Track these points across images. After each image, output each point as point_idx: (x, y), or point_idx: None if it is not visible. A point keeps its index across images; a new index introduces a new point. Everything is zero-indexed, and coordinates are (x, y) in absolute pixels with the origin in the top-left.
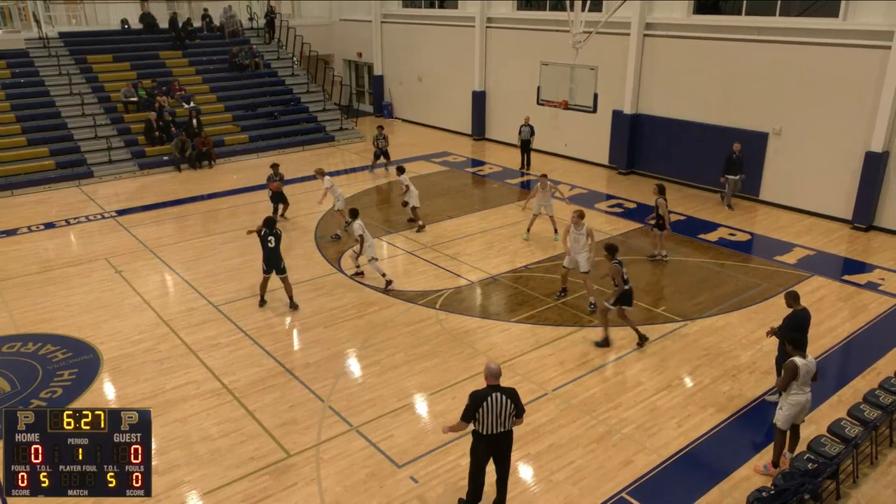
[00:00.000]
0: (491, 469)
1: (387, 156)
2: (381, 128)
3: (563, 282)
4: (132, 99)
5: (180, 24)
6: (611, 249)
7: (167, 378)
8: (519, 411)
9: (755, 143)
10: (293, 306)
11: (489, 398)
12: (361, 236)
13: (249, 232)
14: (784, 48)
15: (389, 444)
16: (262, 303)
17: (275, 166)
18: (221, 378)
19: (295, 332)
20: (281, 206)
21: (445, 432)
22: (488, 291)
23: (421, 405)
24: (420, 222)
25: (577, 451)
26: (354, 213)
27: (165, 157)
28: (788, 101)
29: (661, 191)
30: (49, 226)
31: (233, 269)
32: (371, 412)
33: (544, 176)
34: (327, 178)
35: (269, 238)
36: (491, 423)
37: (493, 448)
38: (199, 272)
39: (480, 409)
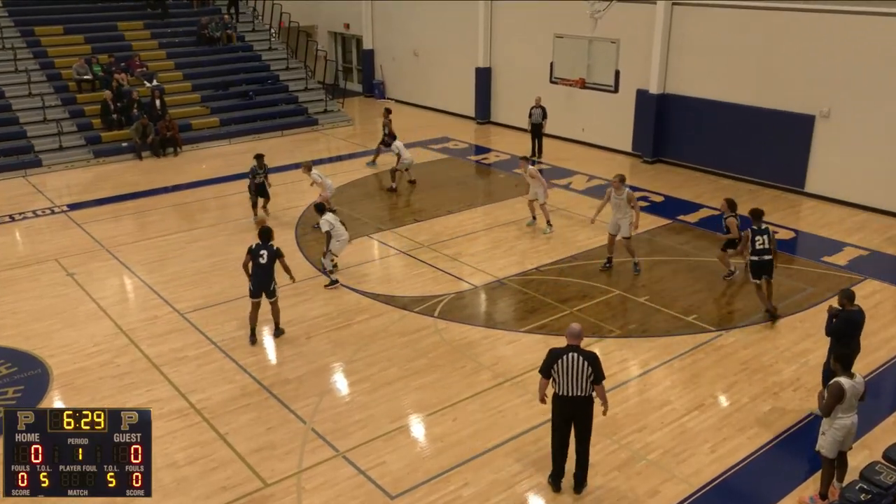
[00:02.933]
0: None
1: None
2: (388, 111)
3: (610, 250)
4: (86, 77)
5: None
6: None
7: (127, 396)
8: (598, 376)
9: (800, 128)
10: (278, 332)
11: (565, 357)
12: (328, 232)
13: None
14: (834, 18)
15: (381, 472)
16: (254, 339)
17: (259, 157)
18: (188, 396)
19: (272, 343)
20: (261, 200)
21: (540, 400)
22: (494, 297)
23: (417, 427)
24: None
25: (596, 479)
26: (321, 208)
27: (124, 144)
28: (838, 80)
29: (731, 206)
30: None
31: (201, 271)
32: (360, 435)
33: (525, 159)
34: (314, 172)
35: (262, 253)
36: (567, 384)
37: (570, 412)
38: (163, 275)
39: (555, 367)
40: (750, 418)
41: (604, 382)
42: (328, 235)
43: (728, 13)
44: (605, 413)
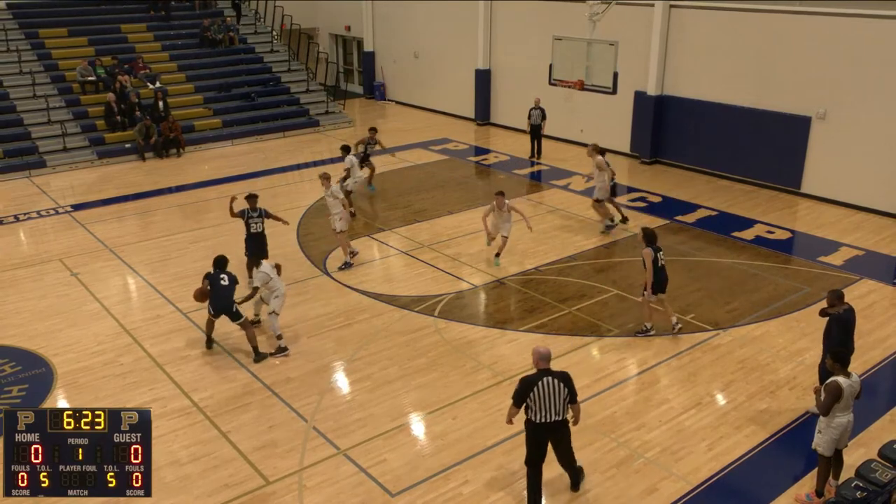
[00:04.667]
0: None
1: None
2: (373, 130)
3: (603, 214)
4: (90, 78)
5: None
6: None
7: (130, 395)
8: (573, 396)
9: (796, 129)
10: (258, 358)
11: (541, 382)
12: (256, 288)
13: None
14: (830, 20)
15: (382, 470)
16: (210, 344)
17: (252, 198)
18: (191, 395)
19: (275, 342)
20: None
21: (507, 422)
22: (493, 297)
23: (417, 426)
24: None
25: (594, 477)
26: (259, 260)
27: (127, 145)
28: (834, 81)
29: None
30: None
31: (204, 271)
32: (361, 433)
33: (500, 194)
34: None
35: (222, 277)
36: (545, 410)
37: (546, 438)
38: (165, 275)
39: (531, 395)
40: (747, 417)
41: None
42: (254, 290)
43: (725, 15)
44: (574, 424)
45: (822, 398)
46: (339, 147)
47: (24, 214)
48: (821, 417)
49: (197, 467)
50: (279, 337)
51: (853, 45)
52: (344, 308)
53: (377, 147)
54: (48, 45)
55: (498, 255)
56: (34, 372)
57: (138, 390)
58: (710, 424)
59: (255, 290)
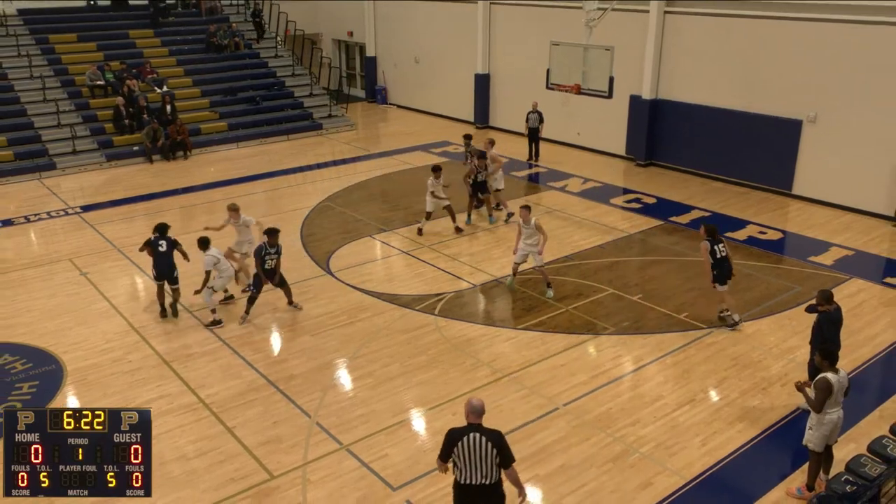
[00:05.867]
0: None
1: (483, 189)
2: (468, 138)
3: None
4: (99, 83)
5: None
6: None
7: (138, 391)
8: (506, 460)
9: (787, 132)
10: (169, 314)
11: (466, 438)
12: (208, 272)
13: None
14: (820, 26)
15: (383, 465)
16: (164, 313)
17: (272, 233)
18: (198, 391)
19: (279, 340)
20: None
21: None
22: (492, 296)
23: (418, 421)
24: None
25: (590, 472)
26: (205, 243)
27: (135, 147)
28: (825, 86)
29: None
30: (6, 223)
31: None
32: (363, 429)
33: (525, 208)
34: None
35: (160, 242)
36: (470, 470)
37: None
38: None
39: (456, 450)
40: (739, 413)
41: (514, 465)
42: (207, 274)
43: (718, 21)
44: (519, 499)
45: (814, 395)
46: (431, 168)
47: (35, 215)
48: (811, 414)
49: (203, 462)
50: (213, 311)
51: (843, 50)
52: (346, 307)
53: (478, 160)
54: (58, 50)
55: (549, 285)
56: (44, 369)
57: (146, 387)
58: (704, 420)
59: (208, 273)
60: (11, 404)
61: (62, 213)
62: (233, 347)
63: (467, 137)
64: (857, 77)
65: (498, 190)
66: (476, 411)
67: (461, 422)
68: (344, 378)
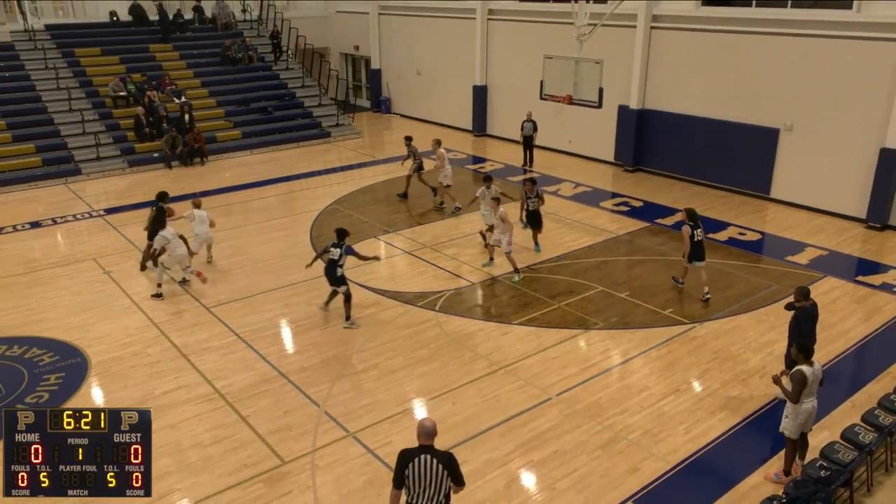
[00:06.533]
0: None
1: (536, 222)
2: (408, 139)
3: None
4: (121, 94)
5: (171, 16)
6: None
7: (157, 382)
8: (457, 481)
9: (766, 140)
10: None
11: (416, 460)
12: (155, 249)
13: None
14: (796, 41)
15: (388, 451)
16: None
17: (341, 234)
18: (213, 382)
19: (290, 334)
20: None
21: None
22: (490, 293)
23: (420, 410)
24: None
25: (581, 457)
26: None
27: (155, 154)
28: (800, 96)
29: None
30: (35, 225)
31: (224, 269)
32: (368, 418)
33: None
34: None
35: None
36: (420, 493)
37: None
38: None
39: (407, 472)
40: (720, 402)
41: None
42: (154, 249)
43: (702, 36)
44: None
45: (791, 387)
46: (482, 177)
47: (62, 218)
48: (788, 403)
49: (219, 448)
50: (158, 285)
51: (818, 63)
52: (353, 303)
53: (533, 193)
54: (83, 63)
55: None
56: (70, 361)
57: (165, 378)
58: (688, 409)
59: (153, 247)
60: (37, 394)
61: (87, 215)
62: (246, 341)
63: (408, 139)
64: (831, 88)
65: (447, 186)
66: (427, 433)
67: (460, 411)
68: (350, 370)
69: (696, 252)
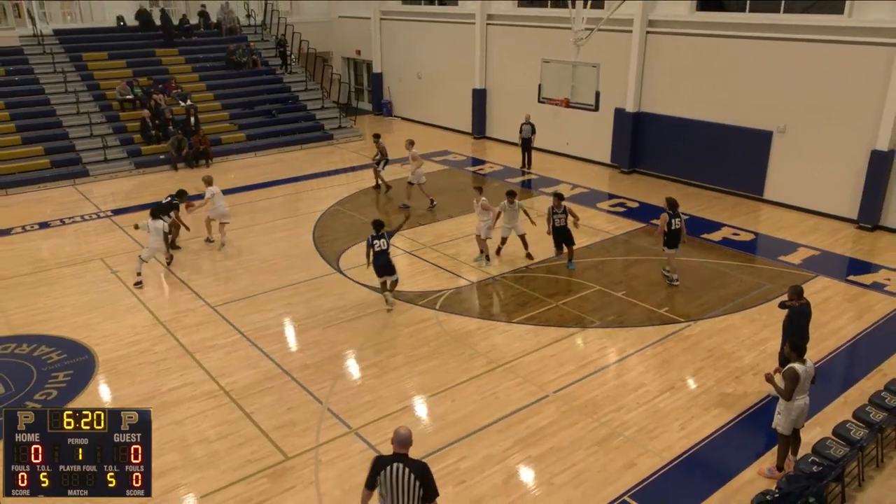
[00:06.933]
0: None
1: (568, 239)
2: (377, 136)
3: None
4: (128, 97)
5: (176, 22)
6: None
7: (163, 380)
8: (429, 493)
9: (759, 142)
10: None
11: (389, 468)
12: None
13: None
14: (788, 45)
15: (388, 447)
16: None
17: (378, 225)
18: (218, 380)
19: (292, 333)
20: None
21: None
22: (489, 292)
23: (421, 407)
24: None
25: (578, 453)
26: (153, 215)
27: (162, 156)
28: (793, 99)
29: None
30: (44, 225)
31: (229, 269)
32: (370, 414)
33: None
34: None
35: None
36: (391, 502)
37: None
38: (195, 272)
39: (379, 479)
40: (715, 399)
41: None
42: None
43: (696, 41)
44: None
45: (784, 385)
46: (506, 192)
47: (70, 218)
48: (780, 400)
49: (224, 444)
50: (139, 273)
51: (810, 67)
52: (355, 302)
53: (554, 200)
54: (90, 67)
55: (487, 257)
56: (78, 359)
57: (171, 376)
58: (683, 406)
59: (136, 226)
60: (46, 391)
61: (94, 216)
62: (250, 339)
63: (376, 136)
64: (823, 92)
65: (420, 184)
66: (402, 441)
67: (460, 408)
68: (352, 367)
69: (672, 240)
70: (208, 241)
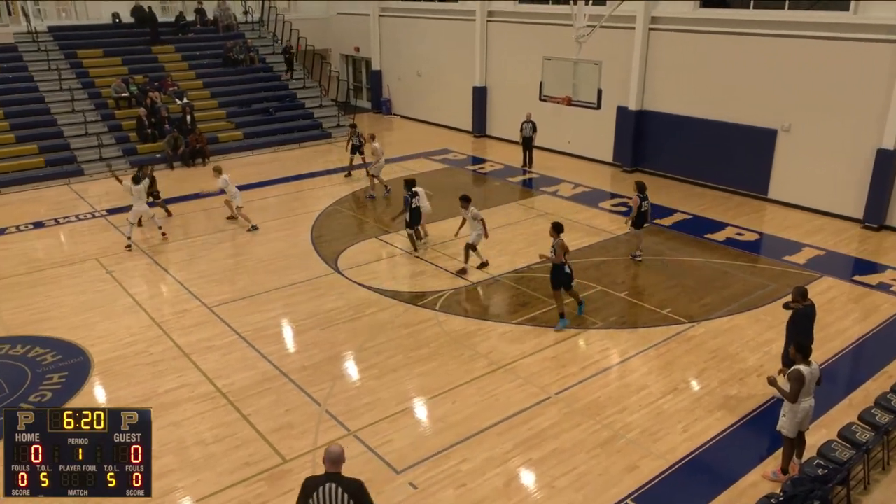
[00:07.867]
0: None
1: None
2: (353, 126)
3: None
4: (123, 95)
5: (173, 18)
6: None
7: (160, 381)
8: None
9: (763, 141)
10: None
11: (321, 489)
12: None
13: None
14: (793, 43)
15: (388, 450)
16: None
17: (409, 183)
18: (215, 381)
19: (291, 334)
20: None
21: None
22: (489, 292)
23: (420, 409)
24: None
25: (580, 456)
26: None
27: (158, 155)
28: (797, 98)
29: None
30: (38, 225)
31: (227, 269)
32: (369, 416)
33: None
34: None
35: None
36: None
37: None
38: (192, 273)
39: (310, 502)
40: (718, 401)
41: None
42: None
43: (699, 38)
44: None
45: (789, 387)
46: (459, 197)
47: (64, 218)
48: (785, 402)
49: (221, 447)
50: (129, 238)
51: (816, 64)
52: (354, 303)
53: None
54: (86, 64)
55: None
56: (73, 361)
57: (167, 377)
58: (686, 408)
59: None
60: (40, 393)
61: (89, 215)
62: (248, 340)
63: (353, 126)
64: (828, 90)
65: (375, 175)
66: (334, 459)
67: (460, 410)
68: (351, 369)
69: (640, 221)
70: (253, 227)
